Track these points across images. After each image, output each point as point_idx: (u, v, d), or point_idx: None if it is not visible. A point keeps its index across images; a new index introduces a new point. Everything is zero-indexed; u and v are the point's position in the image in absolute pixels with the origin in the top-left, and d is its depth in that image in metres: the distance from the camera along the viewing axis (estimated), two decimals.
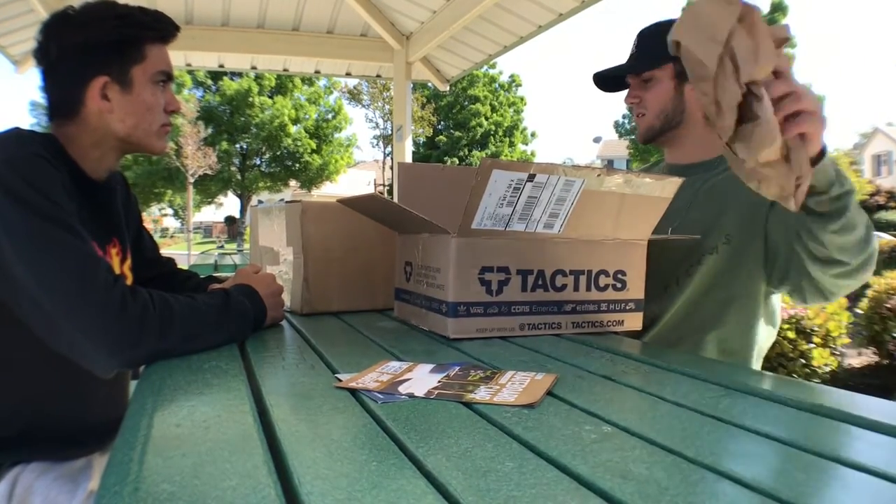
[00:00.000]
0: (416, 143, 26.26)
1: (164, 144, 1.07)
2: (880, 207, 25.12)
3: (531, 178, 0.90)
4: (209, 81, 23.89)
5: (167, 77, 1.04)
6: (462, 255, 0.96)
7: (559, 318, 1.04)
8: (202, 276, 1.30)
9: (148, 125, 1.02)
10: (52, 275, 0.80)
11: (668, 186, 1.04)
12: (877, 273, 7.05)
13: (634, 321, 1.11)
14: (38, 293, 0.80)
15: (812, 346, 3.71)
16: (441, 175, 1.29)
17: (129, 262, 1.12)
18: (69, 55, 0.98)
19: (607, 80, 1.40)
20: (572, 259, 1.04)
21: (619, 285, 1.09)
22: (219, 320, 0.90)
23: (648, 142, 1.36)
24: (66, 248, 0.82)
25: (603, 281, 1.07)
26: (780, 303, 1.32)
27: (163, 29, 1.03)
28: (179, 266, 1.33)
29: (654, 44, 1.29)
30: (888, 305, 4.32)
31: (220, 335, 0.90)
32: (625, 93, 1.39)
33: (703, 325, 1.29)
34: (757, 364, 1.33)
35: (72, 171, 0.96)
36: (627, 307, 1.10)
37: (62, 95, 1.00)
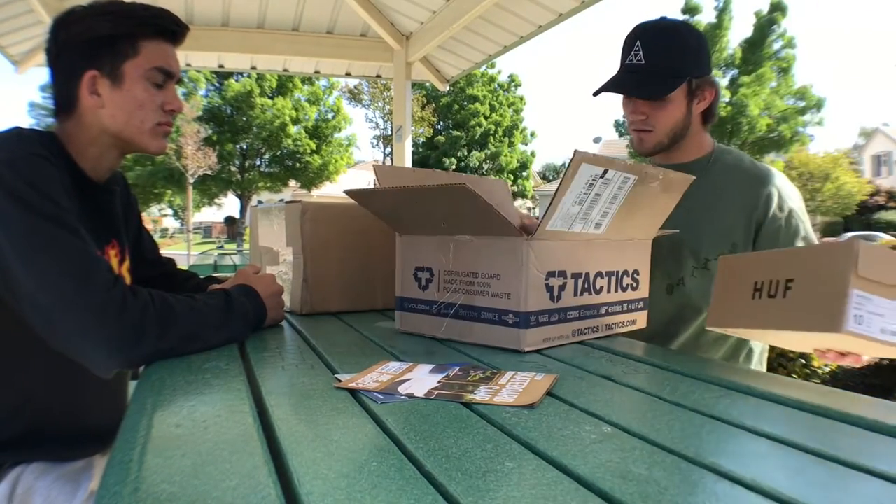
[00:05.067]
0: (415, 144, 26.25)
1: (161, 144, 1.04)
2: (880, 207, 25.10)
3: (604, 174, 0.85)
4: (214, 81, 23.91)
5: (166, 75, 1.01)
6: (535, 260, 0.88)
7: (597, 321, 1.00)
8: (202, 277, 1.30)
9: (139, 122, 0.99)
10: (51, 274, 0.80)
11: (679, 184, 1.01)
12: None
13: (643, 319, 1.10)
14: (37, 293, 0.80)
15: None
16: (413, 177, 1.20)
17: (127, 263, 1.12)
18: (66, 51, 0.98)
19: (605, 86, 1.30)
20: (608, 260, 1.00)
21: (634, 285, 1.06)
22: (219, 321, 0.90)
23: (651, 155, 1.33)
24: (66, 248, 0.82)
25: (626, 281, 1.04)
26: None
27: (161, 25, 1.00)
28: (179, 266, 1.33)
29: (665, 57, 1.21)
30: None
31: (220, 336, 0.90)
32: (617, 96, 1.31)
33: (705, 329, 1.29)
34: (762, 358, 1.35)
35: (72, 171, 0.95)
36: (639, 306, 1.08)
37: (60, 91, 0.99)
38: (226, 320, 0.91)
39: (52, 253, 0.81)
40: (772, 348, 1.41)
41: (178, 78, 1.05)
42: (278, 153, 24.79)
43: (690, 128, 1.30)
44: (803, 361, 3.72)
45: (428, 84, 5.61)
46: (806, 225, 1.25)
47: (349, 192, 1.02)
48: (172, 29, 1.02)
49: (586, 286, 0.97)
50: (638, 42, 1.23)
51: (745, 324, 0.90)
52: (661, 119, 1.26)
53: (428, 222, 0.98)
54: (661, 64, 1.21)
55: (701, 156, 1.33)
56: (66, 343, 0.81)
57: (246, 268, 1.12)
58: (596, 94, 1.30)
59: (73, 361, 0.82)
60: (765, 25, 21.35)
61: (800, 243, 1.22)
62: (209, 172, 21.62)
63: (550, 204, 0.83)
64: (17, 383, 0.95)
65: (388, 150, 26.61)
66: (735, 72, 21.74)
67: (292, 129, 24.02)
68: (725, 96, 21.17)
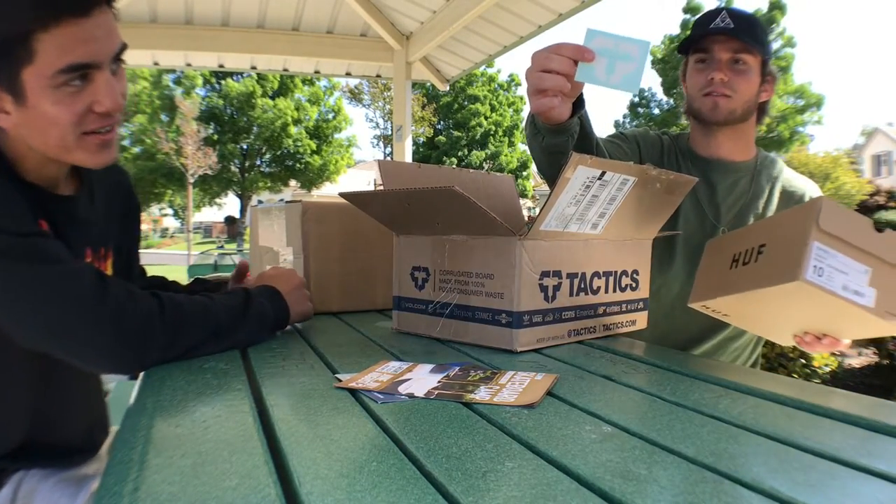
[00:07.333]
0: (415, 143, 26.24)
1: (100, 158, 0.84)
2: (880, 207, 25.13)
3: (602, 175, 0.85)
4: (213, 81, 23.92)
5: (84, 68, 0.76)
6: (528, 259, 0.87)
7: (595, 321, 1.00)
8: (192, 279, 1.26)
9: (59, 140, 0.79)
10: (27, 313, 0.73)
11: (683, 187, 1.01)
12: None
13: (643, 320, 1.10)
14: (17, 330, 0.75)
15: None
16: (417, 173, 1.18)
17: None
18: None
19: (691, 40, 1.32)
20: (606, 260, 1.00)
21: (634, 285, 1.07)
22: (235, 324, 0.86)
23: (721, 124, 1.32)
24: (32, 281, 0.73)
25: (624, 281, 1.05)
26: None
27: (58, 4, 0.73)
28: (155, 274, 1.28)
29: (749, 27, 1.26)
30: None
31: (236, 338, 0.87)
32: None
33: (733, 335, 1.32)
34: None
35: (13, 178, 0.82)
36: (639, 307, 1.09)
37: None
38: (242, 323, 0.87)
39: (17, 293, 0.72)
40: (771, 347, 1.42)
41: (117, 57, 0.81)
42: (279, 153, 24.81)
43: (750, 118, 1.33)
44: (803, 361, 3.72)
45: (428, 84, 5.62)
46: None
47: (344, 195, 1.02)
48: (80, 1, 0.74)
49: (583, 286, 0.96)
50: (725, 12, 1.28)
51: (721, 293, 0.93)
52: (741, 85, 1.27)
53: (423, 222, 0.98)
54: (748, 31, 1.26)
55: (748, 159, 1.36)
56: (69, 361, 0.78)
57: (268, 269, 1.06)
58: (681, 49, 1.34)
59: (78, 375, 0.80)
60: (764, 24, 21.30)
61: None
62: (209, 172, 21.63)
63: (545, 205, 0.83)
64: (22, 396, 0.92)
65: (389, 149, 26.63)
66: None
67: (293, 130, 24.04)
68: None
